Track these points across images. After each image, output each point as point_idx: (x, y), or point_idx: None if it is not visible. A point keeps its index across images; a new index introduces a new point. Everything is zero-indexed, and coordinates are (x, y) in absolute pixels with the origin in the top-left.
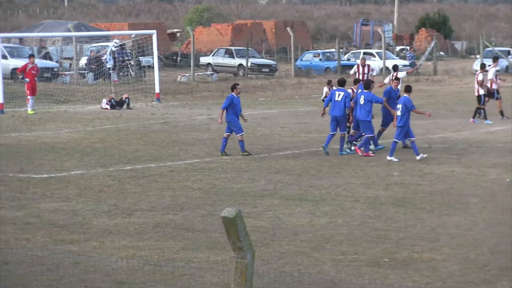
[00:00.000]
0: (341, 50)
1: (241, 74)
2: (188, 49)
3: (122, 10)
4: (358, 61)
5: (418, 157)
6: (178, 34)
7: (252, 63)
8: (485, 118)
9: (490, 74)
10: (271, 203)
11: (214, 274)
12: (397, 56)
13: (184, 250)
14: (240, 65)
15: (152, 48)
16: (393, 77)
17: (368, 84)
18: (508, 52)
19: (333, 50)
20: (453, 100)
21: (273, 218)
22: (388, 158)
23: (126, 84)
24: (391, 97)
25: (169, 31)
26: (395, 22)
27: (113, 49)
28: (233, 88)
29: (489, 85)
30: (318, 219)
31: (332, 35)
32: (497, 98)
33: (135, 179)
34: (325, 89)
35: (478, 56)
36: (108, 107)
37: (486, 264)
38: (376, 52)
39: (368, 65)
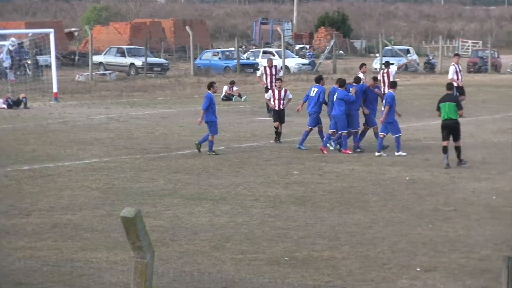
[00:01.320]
0: (241, 49)
1: (132, 73)
2: (86, 48)
3: (19, 9)
4: (258, 60)
5: (377, 153)
6: (76, 33)
7: (144, 62)
8: None
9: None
10: (170, 202)
11: (114, 274)
12: (296, 54)
13: (83, 250)
14: (132, 64)
15: (49, 47)
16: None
17: (343, 82)
18: (408, 51)
19: (232, 49)
20: None
21: (173, 218)
22: (396, 154)
23: (23, 83)
24: (368, 97)
25: (66, 30)
26: (294, 21)
27: (10, 48)
28: (210, 86)
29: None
30: (218, 218)
31: (232, 33)
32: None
33: (33, 179)
34: (225, 88)
35: (377, 54)
36: (5, 106)
37: (386, 262)
38: (276, 51)
39: (275, 66)
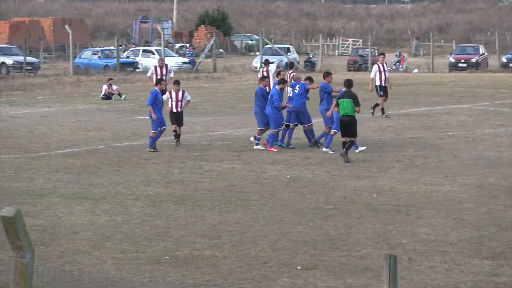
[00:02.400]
0: (120, 47)
1: (3, 72)
2: None
3: None
4: (138, 59)
5: (356, 150)
6: None
7: (14, 61)
8: None
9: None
10: (50, 202)
11: None
12: (176, 53)
13: None
14: (3, 63)
15: None
16: (263, 73)
17: (281, 81)
18: (288, 49)
19: (112, 47)
20: (233, 97)
21: (53, 217)
22: (324, 149)
23: None
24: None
25: None
26: (174, 20)
27: None
28: (158, 83)
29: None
30: (98, 217)
31: (111, 32)
32: (381, 95)
33: None
34: (105, 86)
35: (257, 53)
36: None
37: (267, 261)
38: (156, 50)
39: (166, 65)
